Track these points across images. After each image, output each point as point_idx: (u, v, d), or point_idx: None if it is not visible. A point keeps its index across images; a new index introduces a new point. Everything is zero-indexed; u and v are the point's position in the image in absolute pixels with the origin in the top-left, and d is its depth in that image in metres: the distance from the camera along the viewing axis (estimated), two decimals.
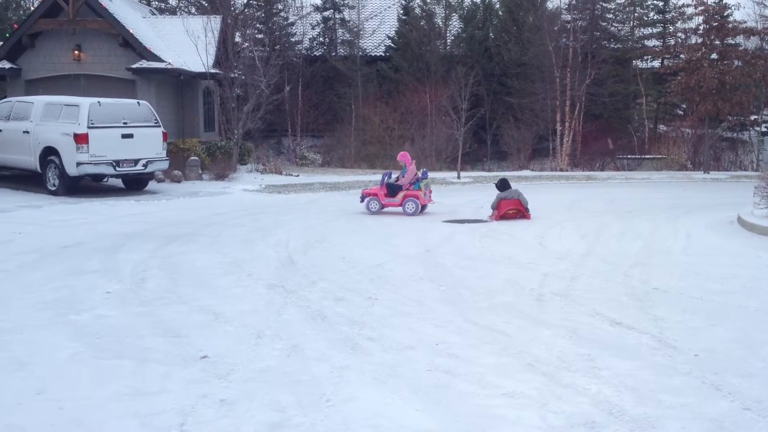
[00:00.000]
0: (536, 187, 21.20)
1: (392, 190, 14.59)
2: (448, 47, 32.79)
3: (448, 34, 33.02)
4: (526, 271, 9.05)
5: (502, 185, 14.31)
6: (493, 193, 14.46)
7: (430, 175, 24.08)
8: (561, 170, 27.77)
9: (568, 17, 31.25)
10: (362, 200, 14.79)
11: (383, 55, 33.22)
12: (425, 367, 5.57)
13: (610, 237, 11.88)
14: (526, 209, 13.95)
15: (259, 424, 4.56)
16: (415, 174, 14.71)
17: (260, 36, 31.17)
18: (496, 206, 13.95)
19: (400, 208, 14.54)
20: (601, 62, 29.44)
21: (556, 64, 28.68)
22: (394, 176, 14.97)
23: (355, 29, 32.83)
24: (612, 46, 32.25)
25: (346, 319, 6.87)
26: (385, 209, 14.65)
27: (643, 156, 29.78)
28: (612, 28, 33.09)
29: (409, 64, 31.25)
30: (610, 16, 33.12)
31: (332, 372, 5.46)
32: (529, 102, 29.69)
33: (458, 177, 22.92)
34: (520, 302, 7.53)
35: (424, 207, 14.58)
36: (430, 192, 15.07)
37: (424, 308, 7.28)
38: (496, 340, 6.24)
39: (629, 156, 29.77)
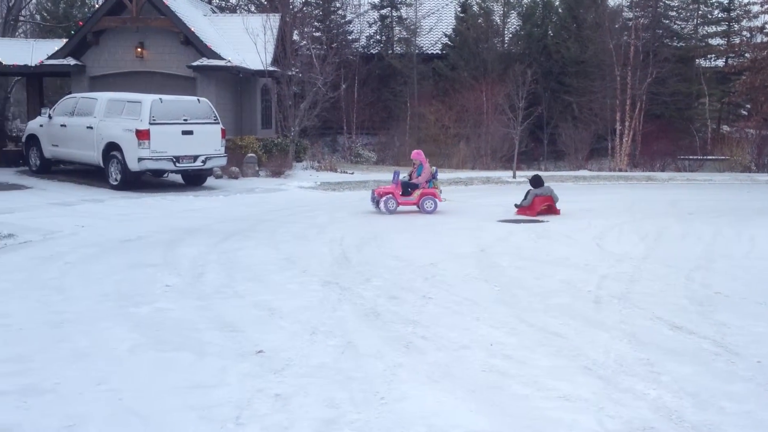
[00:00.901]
0: (594, 188, 20.89)
1: (408, 188, 14.48)
2: (506, 45, 32.52)
3: (506, 32, 32.75)
4: (584, 273, 8.92)
5: (537, 182, 14.62)
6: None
7: (484, 174, 23.98)
8: (620, 170, 27.30)
9: (630, 15, 30.69)
10: (373, 200, 14.52)
11: (440, 53, 33.11)
12: (479, 368, 5.53)
13: (671, 239, 11.64)
14: (556, 205, 14.44)
15: (313, 420, 4.59)
16: (431, 172, 14.62)
17: (318, 34, 31.39)
18: (531, 202, 14.27)
19: (404, 207, 14.42)
20: (663, 61, 28.82)
21: (617, 63, 28.19)
22: (401, 175, 14.75)
23: (412, 27, 32.80)
24: (674, 44, 31.54)
25: (399, 317, 6.87)
26: (385, 208, 14.37)
27: (705, 157, 29.07)
28: (675, 26, 32.38)
29: (465, 62, 31.08)
30: (673, 13, 32.42)
31: (386, 370, 5.46)
32: (588, 101, 29.25)
33: (514, 176, 22.71)
34: (576, 304, 7.43)
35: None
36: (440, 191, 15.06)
37: (479, 308, 7.23)
38: (551, 342, 6.16)
39: (691, 157, 29.10)
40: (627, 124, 28.50)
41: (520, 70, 25.04)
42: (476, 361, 5.68)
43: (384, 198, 14.34)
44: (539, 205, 14.22)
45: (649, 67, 28.16)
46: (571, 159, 28.71)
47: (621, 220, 13.71)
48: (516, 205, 14.62)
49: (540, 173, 16.62)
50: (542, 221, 13.43)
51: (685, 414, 4.73)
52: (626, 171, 27.15)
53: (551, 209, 14.35)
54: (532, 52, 31.20)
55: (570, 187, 20.83)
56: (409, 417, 4.65)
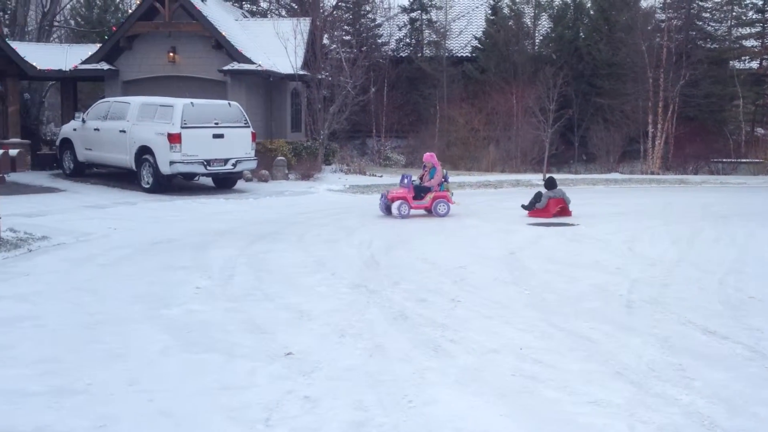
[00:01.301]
0: (626, 191, 20.70)
1: (420, 192, 14.27)
2: (537, 47, 32.31)
3: (536, 34, 32.53)
4: (615, 277, 8.83)
5: (551, 184, 14.84)
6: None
7: (514, 177, 23.86)
8: (652, 173, 27.00)
9: (663, 16, 30.35)
10: (384, 204, 14.19)
11: (470, 55, 32.98)
12: (509, 372, 5.50)
13: (704, 243, 11.48)
14: (568, 207, 14.63)
15: (342, 423, 4.59)
16: (443, 175, 14.48)
17: (348, 38, 31.46)
18: (546, 205, 14.42)
19: (413, 210, 14.20)
20: (697, 63, 28.45)
21: (649, 65, 27.88)
22: (409, 180, 14.35)
23: (442, 30, 32.74)
24: (708, 46, 31.11)
25: (428, 320, 6.86)
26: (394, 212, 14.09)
27: (739, 160, 28.63)
28: (708, 28, 31.94)
29: (495, 64, 30.93)
30: (707, 15, 31.99)
31: (414, 373, 5.45)
32: (620, 103, 28.96)
33: (544, 179, 22.53)
34: (608, 308, 7.36)
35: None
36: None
37: (508, 312, 7.19)
38: (582, 347, 6.11)
39: (724, 160, 28.68)
40: (659, 126, 28.18)
41: (550, 73, 24.88)
42: (506, 365, 5.65)
43: (397, 203, 14.05)
44: (554, 207, 14.37)
45: (682, 69, 27.83)
46: (603, 162, 28.44)
47: (653, 223, 13.57)
48: (523, 206, 14.68)
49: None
50: (572, 224, 13.32)
51: (719, 420, 4.66)
52: (658, 174, 26.85)
53: (563, 211, 14.47)
54: (563, 54, 30.97)
55: (601, 190, 20.67)
56: (438, 421, 4.63)
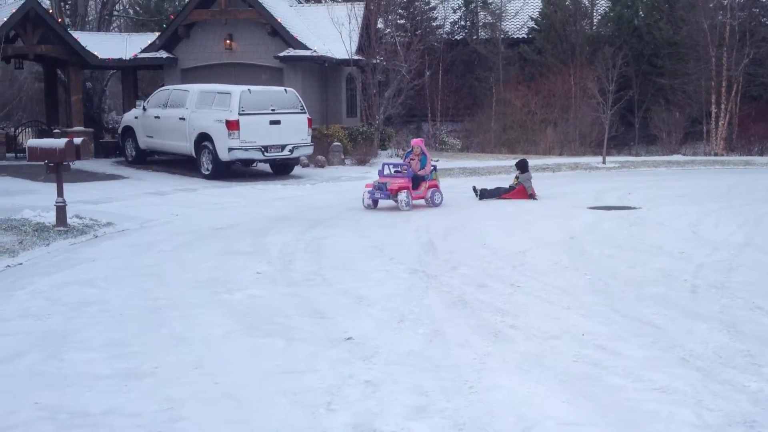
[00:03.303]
0: (689, 173, 20.23)
1: (417, 182, 13.45)
2: (595, 27, 31.72)
3: (594, 14, 31.93)
4: (679, 261, 8.65)
5: (525, 166, 14.94)
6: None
7: (573, 160, 23.51)
8: (716, 155, 26.32)
9: None
10: (382, 196, 13.07)
11: (526, 37, 32.55)
12: (571, 358, 5.44)
13: None
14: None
15: (403, 407, 4.60)
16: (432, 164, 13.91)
17: (402, 21, 31.31)
18: (531, 188, 14.49)
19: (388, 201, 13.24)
20: (761, 40, 27.56)
21: (712, 43, 27.11)
22: (409, 170, 13.45)
23: (497, 11, 32.34)
24: None
25: (487, 305, 6.82)
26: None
27: None
28: None
29: (552, 45, 30.47)
30: None
31: (475, 359, 5.43)
32: (682, 83, 28.25)
33: (603, 162, 22.17)
34: (672, 294, 7.21)
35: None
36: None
37: (569, 297, 7.11)
38: (646, 333, 6.00)
39: None
40: (723, 106, 27.42)
41: (609, 53, 24.39)
42: (567, 351, 5.59)
43: (404, 193, 13.07)
44: (533, 188, 14.56)
45: (745, 47, 27.00)
46: (664, 143, 27.82)
47: (717, 206, 13.23)
48: (474, 189, 14.48)
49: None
50: (634, 208, 13.05)
51: None
52: (722, 155, 26.16)
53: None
54: (622, 33, 30.32)
55: (663, 173, 20.25)
56: (499, 406, 4.61)
